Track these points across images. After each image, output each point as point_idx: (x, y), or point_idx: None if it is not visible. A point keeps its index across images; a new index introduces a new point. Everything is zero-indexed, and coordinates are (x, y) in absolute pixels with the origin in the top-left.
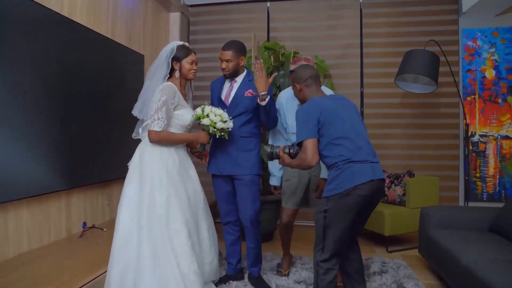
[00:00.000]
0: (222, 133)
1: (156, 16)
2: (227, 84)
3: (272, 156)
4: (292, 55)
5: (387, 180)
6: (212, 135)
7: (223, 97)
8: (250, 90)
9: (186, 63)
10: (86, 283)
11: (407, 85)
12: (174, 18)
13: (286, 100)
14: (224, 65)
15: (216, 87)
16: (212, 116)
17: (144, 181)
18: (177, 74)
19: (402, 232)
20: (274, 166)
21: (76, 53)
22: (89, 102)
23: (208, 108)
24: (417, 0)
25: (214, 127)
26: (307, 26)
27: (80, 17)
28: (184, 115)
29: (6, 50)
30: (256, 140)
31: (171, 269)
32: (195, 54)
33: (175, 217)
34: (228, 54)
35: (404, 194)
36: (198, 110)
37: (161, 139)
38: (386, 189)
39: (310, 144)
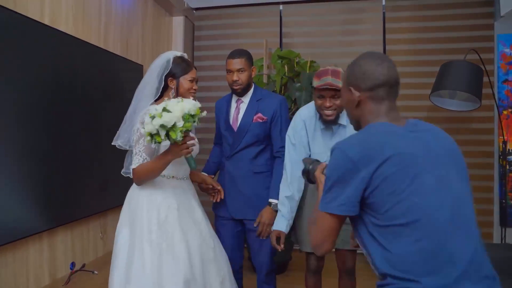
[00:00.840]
0: (178, 130)
1: (156, 21)
2: (233, 105)
3: (309, 177)
4: (308, 64)
5: None
6: (173, 142)
7: (231, 121)
8: (260, 114)
9: (185, 81)
10: None
11: (443, 101)
12: (177, 22)
13: (310, 120)
14: (235, 76)
15: (222, 108)
16: (147, 121)
17: (133, 231)
18: (172, 93)
19: None
20: (293, 203)
21: (59, 67)
22: (75, 123)
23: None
24: (448, 2)
25: (159, 135)
26: (323, 31)
27: (65, 26)
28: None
29: None
30: (271, 177)
31: None
32: (196, 70)
33: (169, 279)
34: (241, 62)
35: None
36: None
37: (141, 177)
38: None
39: (327, 223)
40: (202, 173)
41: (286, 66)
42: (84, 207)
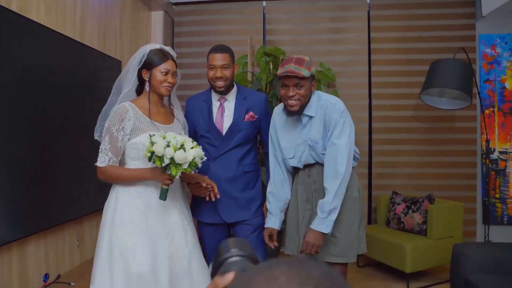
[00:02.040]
0: (179, 169)
1: (135, 15)
2: (215, 104)
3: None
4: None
5: (403, 205)
6: (167, 173)
7: (215, 122)
8: (251, 113)
9: (157, 72)
10: None
11: (433, 99)
12: (156, 17)
13: (279, 115)
14: (219, 73)
15: (201, 108)
16: (159, 142)
17: (101, 231)
18: (147, 87)
19: (426, 268)
20: (275, 199)
21: (29, 61)
22: (47, 121)
23: (158, 135)
24: (431, 2)
25: (162, 161)
26: (308, 28)
27: (36, 14)
28: (142, 142)
29: None
30: (258, 174)
31: None
32: (173, 62)
33: None
34: (225, 57)
35: (424, 222)
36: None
37: (106, 177)
38: (402, 215)
39: None
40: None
41: (271, 64)
42: (58, 213)
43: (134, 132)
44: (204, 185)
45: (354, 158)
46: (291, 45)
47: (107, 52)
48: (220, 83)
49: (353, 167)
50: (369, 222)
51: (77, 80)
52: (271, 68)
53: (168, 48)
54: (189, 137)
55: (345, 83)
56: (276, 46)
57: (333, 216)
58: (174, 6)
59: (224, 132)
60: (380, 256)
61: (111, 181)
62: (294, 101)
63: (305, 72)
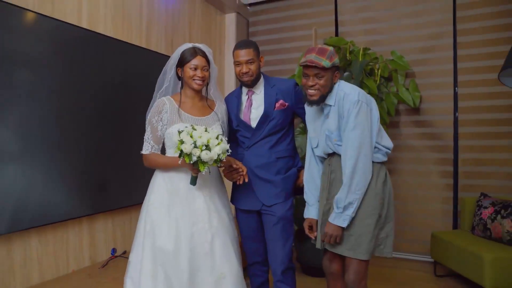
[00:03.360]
0: (206, 165)
1: (206, 19)
2: (244, 98)
3: None
4: (361, 51)
5: (491, 209)
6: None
7: (242, 116)
8: (281, 101)
9: (187, 68)
10: None
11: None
12: (230, 20)
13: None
14: (245, 68)
15: (231, 104)
16: (187, 141)
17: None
18: (182, 83)
19: None
20: (311, 189)
21: (100, 68)
22: (118, 119)
23: (185, 132)
24: None
25: (190, 158)
26: (383, 15)
27: (103, 28)
28: (175, 133)
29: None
30: (293, 159)
31: None
32: (203, 57)
33: (147, 260)
34: (249, 52)
35: None
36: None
37: (148, 164)
38: (488, 221)
39: None
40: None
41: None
42: (126, 197)
43: (169, 123)
44: (234, 166)
45: (380, 152)
46: (364, 35)
47: None
48: (246, 78)
49: (378, 162)
50: (454, 227)
51: (145, 83)
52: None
53: (201, 46)
54: (230, 129)
55: (425, 72)
56: (349, 37)
57: (350, 211)
58: (248, 7)
59: (252, 123)
60: (458, 267)
61: (153, 166)
62: (313, 91)
63: (326, 63)
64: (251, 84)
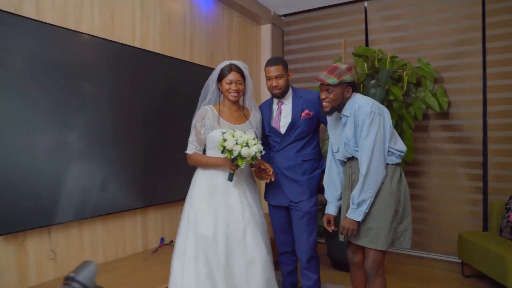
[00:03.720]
0: (245, 160)
1: (243, 32)
2: (275, 107)
3: None
4: (388, 59)
5: None
6: (235, 161)
7: (273, 123)
8: (307, 111)
9: (223, 83)
10: None
11: None
12: (265, 30)
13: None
14: (274, 82)
15: (264, 112)
16: (229, 140)
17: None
18: (221, 95)
19: None
20: (330, 189)
21: (151, 80)
22: (168, 125)
23: (228, 133)
24: None
25: (232, 154)
26: (410, 23)
27: (153, 46)
28: (216, 137)
29: (84, 87)
30: (317, 162)
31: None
32: (237, 73)
33: (191, 241)
34: (278, 68)
35: None
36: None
37: (192, 162)
38: None
39: None
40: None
41: (365, 64)
42: (174, 193)
43: (211, 128)
44: (262, 167)
45: (393, 155)
46: (393, 42)
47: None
48: (276, 90)
49: (392, 164)
50: (485, 229)
51: (189, 91)
52: (366, 68)
53: (237, 62)
54: (262, 135)
55: (454, 77)
56: (378, 45)
57: (364, 207)
58: (283, 18)
59: (281, 130)
60: (484, 267)
61: (195, 165)
62: (325, 103)
63: (332, 80)
64: (281, 96)
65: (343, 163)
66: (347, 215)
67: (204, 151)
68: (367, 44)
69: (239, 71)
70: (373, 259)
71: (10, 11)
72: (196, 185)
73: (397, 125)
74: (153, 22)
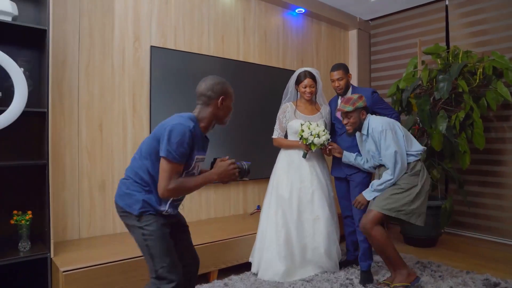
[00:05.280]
0: (316, 146)
1: (331, 38)
2: (339, 102)
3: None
4: (460, 54)
5: None
6: (309, 145)
7: (336, 114)
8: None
9: (300, 87)
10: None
11: None
12: (352, 36)
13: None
14: (336, 83)
15: (332, 106)
16: (306, 131)
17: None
18: (298, 94)
19: None
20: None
21: (253, 86)
22: (265, 119)
23: (305, 125)
24: None
25: (307, 141)
26: (491, 17)
27: (253, 58)
28: (293, 126)
29: None
30: None
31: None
32: (310, 79)
33: (273, 204)
34: (339, 73)
35: None
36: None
37: (276, 144)
38: None
39: None
40: None
41: (438, 60)
42: (266, 170)
43: (290, 119)
44: (329, 147)
45: (412, 155)
46: (476, 37)
47: None
48: (338, 90)
49: (412, 162)
50: None
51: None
52: (439, 64)
53: (310, 69)
54: (331, 122)
55: None
56: (461, 42)
57: (376, 193)
58: (370, 22)
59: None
60: None
61: (278, 146)
62: (348, 127)
63: (348, 108)
64: (343, 94)
65: (373, 169)
66: (363, 193)
67: (285, 136)
68: (447, 41)
69: (312, 77)
70: (375, 219)
71: (161, 46)
72: (279, 160)
73: (467, 116)
74: (253, 40)
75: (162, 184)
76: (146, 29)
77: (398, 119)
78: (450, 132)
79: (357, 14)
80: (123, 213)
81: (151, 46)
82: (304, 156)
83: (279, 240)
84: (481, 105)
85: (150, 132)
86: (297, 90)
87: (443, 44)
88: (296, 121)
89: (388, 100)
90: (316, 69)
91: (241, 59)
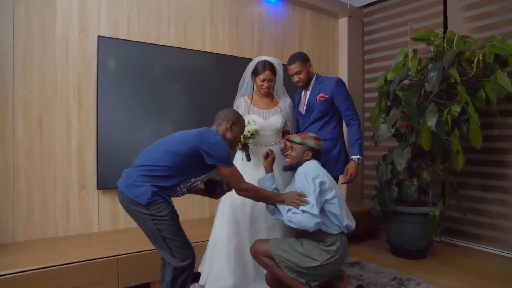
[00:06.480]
0: (249, 138)
1: (318, 28)
2: (302, 95)
3: None
4: (455, 40)
5: None
6: (246, 143)
7: (299, 108)
8: (322, 94)
9: (257, 80)
10: None
11: None
12: (343, 24)
13: None
14: (296, 78)
15: (296, 101)
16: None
17: None
18: (254, 87)
19: None
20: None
21: (220, 79)
22: None
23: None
24: None
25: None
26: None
27: (222, 49)
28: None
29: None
30: (336, 142)
31: None
32: (270, 72)
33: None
34: (296, 66)
35: None
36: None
37: None
38: None
39: None
40: None
41: (431, 47)
42: None
43: (244, 115)
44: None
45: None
46: (477, 20)
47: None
48: (299, 84)
49: (337, 234)
50: None
51: None
52: (432, 52)
53: (271, 59)
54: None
55: None
56: (461, 26)
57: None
58: (363, 9)
59: (304, 112)
60: None
61: None
62: (286, 158)
63: (296, 139)
64: (304, 87)
65: None
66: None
67: None
68: (445, 26)
69: (272, 69)
70: (264, 251)
71: (110, 36)
72: (236, 158)
73: (463, 110)
74: (222, 29)
75: (236, 186)
76: (94, 18)
77: (358, 128)
78: (440, 129)
79: (347, 0)
80: (130, 202)
81: (98, 36)
82: (248, 158)
83: (229, 249)
84: (479, 97)
85: (98, 129)
86: (253, 81)
87: (440, 30)
88: (252, 117)
89: (375, 94)
90: (278, 58)
91: (207, 49)
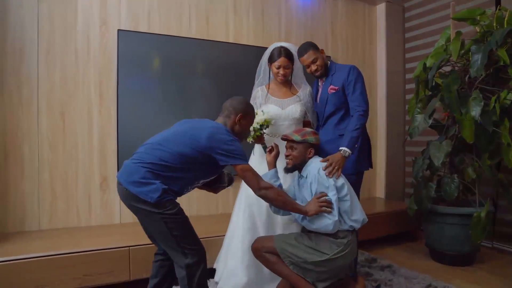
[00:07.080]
0: (261, 131)
1: (351, 16)
2: (319, 85)
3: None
4: (506, 17)
5: None
6: (259, 135)
7: (317, 100)
8: (332, 86)
9: (273, 67)
10: None
11: None
12: (380, 10)
13: None
14: (313, 67)
15: (313, 91)
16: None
17: None
18: (271, 74)
19: None
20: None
21: (245, 69)
22: None
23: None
24: None
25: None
26: None
27: (246, 40)
28: (269, 111)
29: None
30: None
31: None
32: (285, 58)
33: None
34: (309, 55)
35: None
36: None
37: None
38: None
39: None
40: None
41: (477, 28)
42: None
43: (260, 106)
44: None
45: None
46: None
47: None
48: (317, 73)
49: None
50: None
51: None
52: (478, 33)
53: (287, 45)
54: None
55: None
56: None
57: None
58: None
59: (320, 105)
60: None
61: None
62: (287, 160)
63: (296, 137)
64: (321, 76)
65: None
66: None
67: None
68: (498, 3)
69: (288, 55)
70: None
71: (131, 29)
72: (254, 151)
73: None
74: (246, 20)
75: (253, 185)
76: (114, 12)
77: (357, 119)
78: (486, 119)
79: None
80: (136, 200)
81: (119, 30)
82: (264, 150)
83: (244, 246)
84: None
85: (118, 121)
86: (270, 69)
87: (492, 9)
88: (268, 107)
89: (412, 86)
90: (294, 45)
91: (231, 40)
